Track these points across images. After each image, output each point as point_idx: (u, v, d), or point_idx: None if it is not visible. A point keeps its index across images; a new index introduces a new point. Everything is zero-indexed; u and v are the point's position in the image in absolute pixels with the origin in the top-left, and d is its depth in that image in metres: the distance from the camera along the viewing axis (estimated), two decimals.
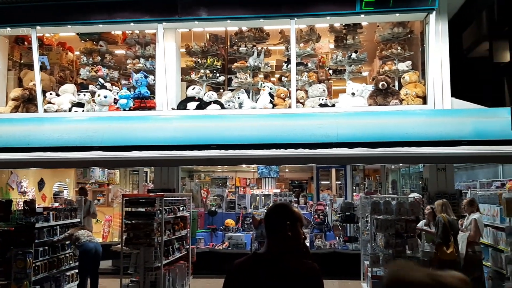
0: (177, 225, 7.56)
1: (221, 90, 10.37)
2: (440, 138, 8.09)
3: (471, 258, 6.61)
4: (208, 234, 10.17)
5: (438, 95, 9.25)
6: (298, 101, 9.49)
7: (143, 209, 6.85)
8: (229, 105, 9.35)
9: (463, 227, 6.98)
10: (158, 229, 6.74)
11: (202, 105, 9.24)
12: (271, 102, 9.37)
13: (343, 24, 10.07)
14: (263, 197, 10.88)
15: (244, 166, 13.30)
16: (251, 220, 9.34)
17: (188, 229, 8.01)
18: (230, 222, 10.22)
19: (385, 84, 9.32)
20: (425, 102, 9.40)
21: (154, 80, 9.69)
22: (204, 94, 9.45)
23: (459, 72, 13.55)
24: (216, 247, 9.69)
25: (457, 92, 9.67)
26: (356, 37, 10.04)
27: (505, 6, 15.73)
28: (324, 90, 9.66)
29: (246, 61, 9.86)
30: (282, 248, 2.19)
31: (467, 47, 18.50)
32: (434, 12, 9.00)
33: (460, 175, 17.15)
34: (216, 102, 9.26)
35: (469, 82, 16.99)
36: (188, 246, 8.00)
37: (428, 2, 8.83)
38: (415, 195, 8.77)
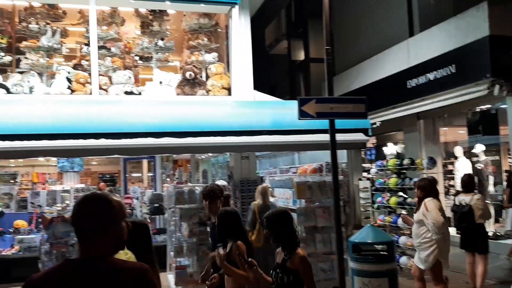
0: None
1: (9, 72, 8.97)
2: (243, 128, 8.44)
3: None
4: None
5: (241, 87, 9.66)
6: (101, 88, 8.81)
7: None
8: (16, 90, 8.12)
9: None
10: None
11: None
12: (69, 87, 8.48)
13: (149, 9, 9.71)
14: (62, 193, 9.85)
15: (41, 159, 11.87)
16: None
17: None
18: (20, 223, 8.96)
19: (192, 74, 9.32)
20: (230, 94, 9.74)
21: None
22: None
23: (262, 66, 14.55)
24: (3, 253, 8.42)
25: (260, 85, 10.29)
26: (163, 24, 9.80)
27: (300, 8, 17.50)
28: (130, 77, 9.18)
29: (38, 41, 8.70)
30: (101, 250, 1.77)
31: (269, 44, 20.08)
32: (237, 6, 9.34)
33: (264, 163, 18.58)
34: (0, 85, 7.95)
35: (270, 76, 18.47)
36: None
37: None
38: (221, 182, 9.00)
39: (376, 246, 5.69)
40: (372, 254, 5.46)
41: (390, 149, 13.47)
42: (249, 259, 3.53)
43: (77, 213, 1.84)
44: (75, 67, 9.19)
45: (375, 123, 11.92)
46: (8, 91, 8.11)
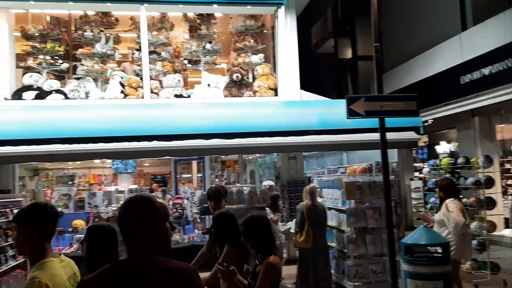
0: (10, 230, 6.67)
1: (66, 79, 9.45)
2: (290, 128, 8.44)
3: None
4: (54, 237, 9.22)
5: (288, 87, 9.66)
6: (152, 91, 9.10)
7: None
8: (73, 95, 8.55)
9: None
10: None
11: (42, 94, 8.30)
12: (122, 92, 8.82)
13: (197, 13, 9.92)
14: (116, 194, 10.23)
15: (97, 161, 12.39)
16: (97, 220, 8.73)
17: None
18: (78, 222, 9.38)
19: (239, 75, 9.44)
20: (276, 94, 9.77)
21: None
22: (44, 83, 8.49)
23: (308, 65, 14.47)
24: (62, 251, 8.85)
25: (306, 84, 10.24)
26: (210, 27, 9.98)
27: (347, 5, 17.24)
28: (179, 81, 9.42)
29: (93, 48, 9.11)
30: (147, 252, 1.81)
31: (315, 43, 19.92)
32: (283, 7, 9.36)
33: (312, 163, 18.45)
34: (58, 91, 8.40)
35: (317, 75, 18.33)
36: None
37: None
38: (268, 182, 9.04)
39: (429, 248, 5.52)
40: (426, 256, 5.30)
41: (443, 147, 12.98)
42: (231, 267, 3.33)
43: (122, 215, 1.87)
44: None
45: (427, 121, 11.56)
46: (66, 96, 8.55)
